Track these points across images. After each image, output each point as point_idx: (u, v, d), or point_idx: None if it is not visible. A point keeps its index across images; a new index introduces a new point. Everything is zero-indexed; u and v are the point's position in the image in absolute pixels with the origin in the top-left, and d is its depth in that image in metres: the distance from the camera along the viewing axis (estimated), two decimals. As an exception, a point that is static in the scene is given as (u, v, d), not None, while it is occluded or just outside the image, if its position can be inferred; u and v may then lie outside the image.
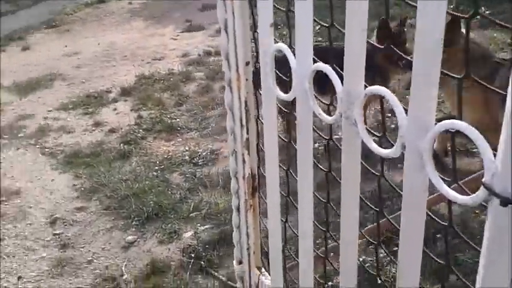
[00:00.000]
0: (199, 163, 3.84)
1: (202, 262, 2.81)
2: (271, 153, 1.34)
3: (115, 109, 4.94)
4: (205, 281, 2.70)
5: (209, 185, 3.51)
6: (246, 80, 1.39)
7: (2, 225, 3.28)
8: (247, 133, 1.43)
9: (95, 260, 2.93)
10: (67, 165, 3.96)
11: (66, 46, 6.85)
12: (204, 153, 3.95)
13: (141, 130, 4.41)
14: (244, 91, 1.39)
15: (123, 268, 2.83)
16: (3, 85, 5.64)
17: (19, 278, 2.83)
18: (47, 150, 4.21)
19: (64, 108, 5.00)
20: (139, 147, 4.14)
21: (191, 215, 3.21)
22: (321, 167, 1.32)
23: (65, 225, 3.26)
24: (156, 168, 3.80)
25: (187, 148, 4.08)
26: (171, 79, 5.52)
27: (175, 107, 4.88)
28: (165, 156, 3.97)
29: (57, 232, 3.18)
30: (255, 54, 1.41)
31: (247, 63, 1.38)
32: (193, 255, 2.86)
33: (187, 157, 3.92)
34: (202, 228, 3.09)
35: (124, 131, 4.42)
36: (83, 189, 3.62)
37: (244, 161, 1.47)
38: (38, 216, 3.36)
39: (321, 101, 1.33)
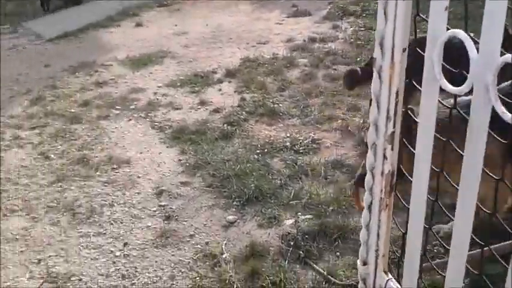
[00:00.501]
0: (300, 151, 3.80)
1: (301, 252, 2.77)
2: (424, 152, 1.24)
3: (220, 89, 5.03)
4: (303, 271, 2.67)
5: (311, 174, 3.46)
6: (401, 68, 1.29)
7: (112, 192, 3.48)
8: (394, 126, 1.34)
9: (196, 235, 3.01)
10: (174, 140, 4.10)
11: (176, 25, 7.09)
12: (305, 141, 3.90)
13: (243, 112, 4.45)
14: (396, 80, 1.29)
15: (223, 247, 2.88)
16: (117, 58, 5.97)
17: (125, 244, 2.98)
18: (156, 124, 4.39)
19: (173, 85, 5.18)
20: (241, 129, 4.18)
21: (291, 202, 3.18)
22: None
23: (170, 197, 3.38)
24: (258, 151, 3.81)
25: (288, 134, 4.05)
26: (275, 64, 5.50)
27: (277, 92, 4.86)
28: (266, 140, 3.97)
29: (163, 204, 3.31)
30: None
31: (404, 50, 1.29)
32: (292, 243, 2.83)
33: (288, 143, 3.89)
34: (302, 217, 3.06)
35: (227, 112, 4.49)
36: (187, 164, 3.74)
37: (385, 157, 1.39)
38: (145, 187, 3.52)
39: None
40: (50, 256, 2.87)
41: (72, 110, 4.67)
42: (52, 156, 3.92)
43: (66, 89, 5.17)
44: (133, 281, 2.69)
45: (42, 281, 2.68)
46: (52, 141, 4.14)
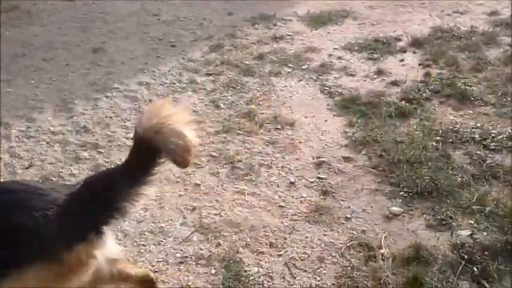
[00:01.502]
0: (491, 146, 3.20)
1: (475, 269, 2.32)
2: None
3: (402, 60, 4.53)
4: (475, 292, 2.23)
5: (502, 177, 2.88)
6: None
7: (272, 153, 3.35)
8: None
9: (353, 219, 2.73)
10: (342, 109, 3.81)
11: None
12: (499, 137, 3.27)
13: (427, 90, 3.93)
14: None
15: (382, 240, 2.56)
16: (297, 14, 5.78)
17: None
18: (326, 88, 4.13)
19: (349, 48, 4.83)
20: (421, 109, 3.69)
21: (472, 207, 2.68)
22: None
23: (330, 171, 3.13)
24: (438, 138, 3.31)
25: (478, 124, 3.44)
26: (472, 38, 4.77)
27: (471, 72, 4.19)
28: (451, 127, 3.43)
29: (321, 176, 3.08)
30: None
31: None
32: (466, 256, 2.38)
33: (476, 135, 3.31)
34: (482, 227, 2.56)
35: (407, 87, 4.00)
36: (353, 138, 3.42)
37: None
38: (305, 154, 3.32)
39: None
40: (204, 206, 2.87)
41: (247, 62, 4.64)
42: (221, 105, 3.93)
43: (244, 39, 5.17)
44: (280, 252, 2.54)
45: (193, 229, 2.69)
46: (223, 90, 4.16)
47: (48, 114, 3.78)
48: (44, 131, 3.56)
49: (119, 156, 3.29)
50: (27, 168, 3.16)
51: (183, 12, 6.00)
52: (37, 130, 3.57)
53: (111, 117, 3.78)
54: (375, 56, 4.64)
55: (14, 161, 3.22)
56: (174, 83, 4.29)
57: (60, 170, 3.12)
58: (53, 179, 3.03)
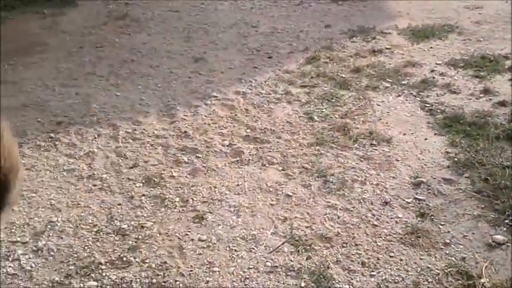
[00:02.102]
0: None
1: None
2: None
3: (510, 79, 4.24)
4: None
5: None
6: None
7: (366, 169, 3.28)
8: None
9: (452, 245, 2.59)
10: (444, 127, 3.64)
11: (469, -3, 6.30)
12: None
13: (539, 113, 3.64)
14: None
15: (483, 269, 2.40)
16: (397, 27, 5.63)
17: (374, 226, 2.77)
18: (427, 105, 3.97)
19: (454, 64, 4.61)
20: (531, 133, 3.43)
21: None
22: None
23: (429, 192, 3.00)
24: (551, 165, 3.05)
25: None
26: None
27: None
28: None
29: (419, 197, 2.96)
30: None
31: None
32: None
33: None
34: None
35: (518, 108, 3.74)
36: (456, 160, 3.25)
37: None
38: (402, 172, 3.21)
39: None
40: (295, 217, 2.88)
41: (343, 75, 4.60)
42: (315, 117, 3.93)
43: (341, 52, 5.14)
44: (372, 272, 2.48)
45: (284, 240, 2.71)
46: (318, 102, 4.16)
47: (152, 118, 4.01)
48: (148, 134, 3.78)
49: (215, 162, 3.41)
50: (131, 168, 3.37)
51: (280, 25, 6.10)
52: (142, 132, 3.80)
53: (209, 124, 3.93)
54: (481, 73, 4.39)
55: (120, 160, 3.46)
56: (270, 94, 4.37)
57: (162, 172, 3.30)
58: (155, 179, 3.21)
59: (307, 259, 2.57)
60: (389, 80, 4.45)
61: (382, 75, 4.53)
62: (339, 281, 2.42)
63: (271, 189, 3.14)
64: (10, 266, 2.47)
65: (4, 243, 2.62)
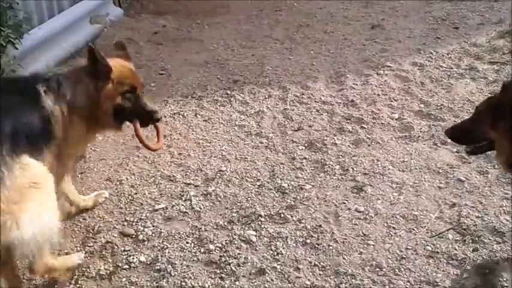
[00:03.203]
0: None
1: None
2: None
3: None
4: None
5: None
6: None
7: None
8: None
9: None
10: None
11: None
12: None
13: None
14: None
15: None
16: None
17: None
18: None
19: None
20: None
21: None
22: None
23: None
24: None
25: None
26: None
27: None
28: None
29: None
30: None
31: None
32: None
33: None
34: None
35: None
36: None
37: None
38: None
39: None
40: (465, 204, 2.63)
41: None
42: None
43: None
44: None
45: (449, 226, 2.50)
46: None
47: (321, 84, 4.00)
48: (315, 99, 3.79)
49: (381, 135, 3.28)
50: (295, 130, 3.43)
51: (472, -8, 5.50)
52: (309, 97, 3.83)
53: (378, 94, 3.77)
54: None
55: (286, 122, 3.54)
56: (451, 68, 3.99)
57: (325, 138, 3.29)
58: (317, 144, 3.22)
59: (473, 251, 2.34)
60: None
61: None
62: (507, 279, 2.16)
63: (440, 171, 2.91)
64: (182, 205, 2.73)
65: (179, 184, 2.91)
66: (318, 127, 3.44)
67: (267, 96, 3.85)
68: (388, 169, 2.96)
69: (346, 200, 2.73)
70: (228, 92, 3.93)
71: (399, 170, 2.94)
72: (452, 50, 4.27)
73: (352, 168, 2.97)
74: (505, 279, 2.17)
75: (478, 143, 2.19)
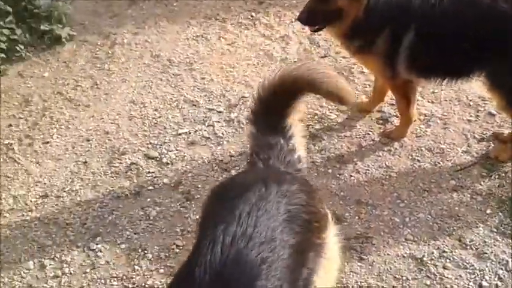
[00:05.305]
0: None
1: None
2: None
3: None
4: None
5: None
6: None
7: None
8: None
9: None
10: None
11: None
12: None
13: None
14: None
15: None
16: None
17: None
18: None
19: None
20: None
21: None
22: None
23: None
24: None
25: None
26: None
27: None
28: None
29: None
30: None
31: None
32: None
33: None
34: None
35: None
36: None
37: None
38: None
39: None
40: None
41: None
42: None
43: None
44: None
45: (475, 160, 2.45)
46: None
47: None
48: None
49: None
50: (322, 57, 3.31)
51: None
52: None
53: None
54: None
55: (312, 48, 3.41)
56: None
57: (352, 66, 3.17)
58: (344, 73, 3.12)
59: (499, 186, 2.31)
60: None
61: None
62: (531, 217, 2.15)
63: (471, 103, 2.81)
64: (205, 130, 2.73)
65: (202, 109, 2.88)
66: (345, 54, 3.31)
67: (293, 20, 3.68)
68: (417, 100, 2.87)
69: (371, 131, 2.68)
70: (253, 14, 3.77)
71: (428, 102, 2.85)
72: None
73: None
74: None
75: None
